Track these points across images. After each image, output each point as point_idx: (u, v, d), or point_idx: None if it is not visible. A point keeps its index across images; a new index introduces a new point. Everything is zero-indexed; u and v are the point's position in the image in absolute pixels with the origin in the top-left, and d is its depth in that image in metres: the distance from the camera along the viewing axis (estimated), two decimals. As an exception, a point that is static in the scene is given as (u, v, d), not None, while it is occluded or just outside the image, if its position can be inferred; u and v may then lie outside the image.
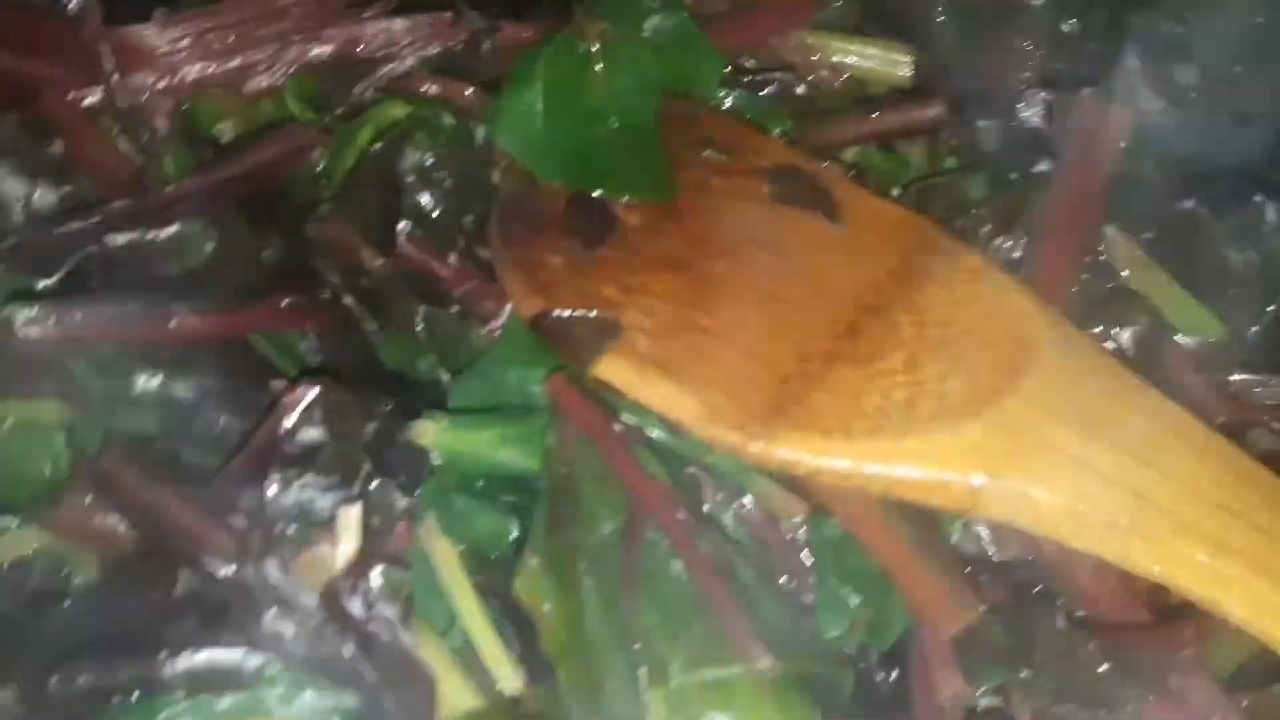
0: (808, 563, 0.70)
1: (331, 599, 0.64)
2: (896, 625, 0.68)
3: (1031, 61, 0.95)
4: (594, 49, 0.80)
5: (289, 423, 0.67)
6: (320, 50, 0.82)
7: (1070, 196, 0.81)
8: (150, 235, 0.72)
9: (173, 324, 0.69)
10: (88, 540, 0.68)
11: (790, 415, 0.68)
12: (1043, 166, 0.85)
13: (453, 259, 0.77)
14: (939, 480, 0.66)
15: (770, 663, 0.61)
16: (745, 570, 0.67)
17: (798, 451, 0.67)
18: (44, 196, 0.74)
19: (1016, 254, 0.81)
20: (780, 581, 0.70)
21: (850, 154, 0.87)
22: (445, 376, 0.75)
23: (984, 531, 0.73)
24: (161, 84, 0.79)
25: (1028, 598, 0.71)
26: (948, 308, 0.73)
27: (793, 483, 0.70)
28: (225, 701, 0.64)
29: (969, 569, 0.71)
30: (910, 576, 0.67)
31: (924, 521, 0.69)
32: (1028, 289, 0.75)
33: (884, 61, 0.89)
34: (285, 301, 0.73)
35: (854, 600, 0.68)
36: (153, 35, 0.79)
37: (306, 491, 0.66)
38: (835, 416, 0.68)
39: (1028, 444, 0.66)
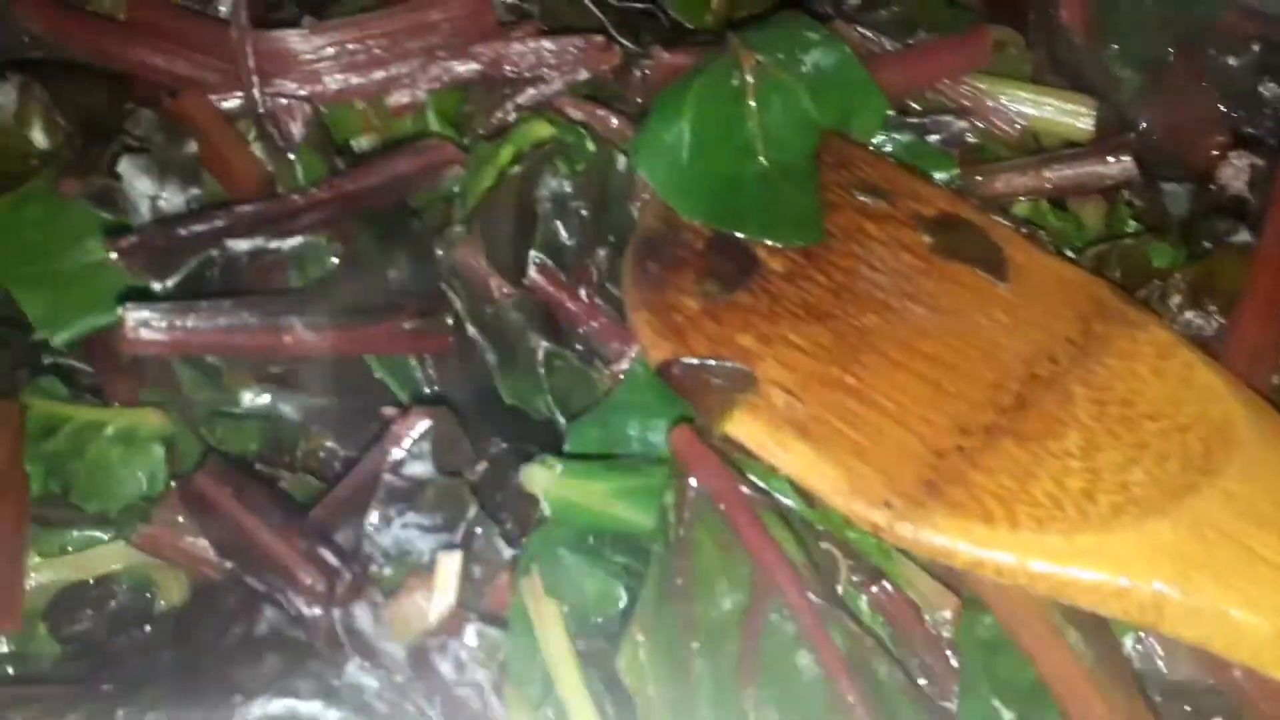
0: (953, 664, 0.62)
1: (420, 655, 0.58)
2: (1052, 749, 0.59)
3: (1228, 123, 0.87)
4: (748, 82, 0.75)
5: (397, 454, 0.62)
6: (466, 67, 0.79)
7: (1275, 271, 0.72)
8: (274, 244, 0.69)
9: (288, 338, 0.66)
10: (177, 562, 0.65)
11: (946, 496, 0.60)
12: (1242, 236, 0.77)
13: (583, 293, 0.72)
14: (1118, 587, 0.57)
15: (908, 780, 0.53)
16: (882, 668, 0.59)
17: (954, 539, 0.59)
18: (172, 197, 0.72)
19: (1208, 331, 0.72)
20: (920, 684, 0.62)
21: (1021, 209, 0.79)
22: (563, 418, 0.70)
23: (1156, 644, 0.64)
24: (302, 91, 0.77)
25: (1209, 729, 0.62)
26: (1132, 385, 0.65)
27: (942, 571, 0.62)
28: (296, 758, 0.59)
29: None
30: (1076, 694, 0.58)
31: (1096, 629, 0.60)
32: (1225, 370, 0.66)
33: (1063, 112, 0.82)
34: (407, 324, 0.69)
35: (1006, 714, 0.60)
36: (298, 42, 0.78)
37: (407, 530, 0.61)
38: (999, 502, 0.60)
39: (1226, 551, 0.57)
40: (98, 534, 0.67)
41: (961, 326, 0.68)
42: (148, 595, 0.66)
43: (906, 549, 0.61)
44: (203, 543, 0.63)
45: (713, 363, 0.65)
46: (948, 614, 0.62)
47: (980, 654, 0.61)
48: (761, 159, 0.74)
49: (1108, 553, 0.57)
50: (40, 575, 0.67)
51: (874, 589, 0.63)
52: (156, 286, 0.67)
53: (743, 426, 0.64)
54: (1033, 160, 0.80)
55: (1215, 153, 0.85)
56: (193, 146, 0.73)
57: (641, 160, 0.73)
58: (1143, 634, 0.63)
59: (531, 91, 0.78)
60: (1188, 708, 0.62)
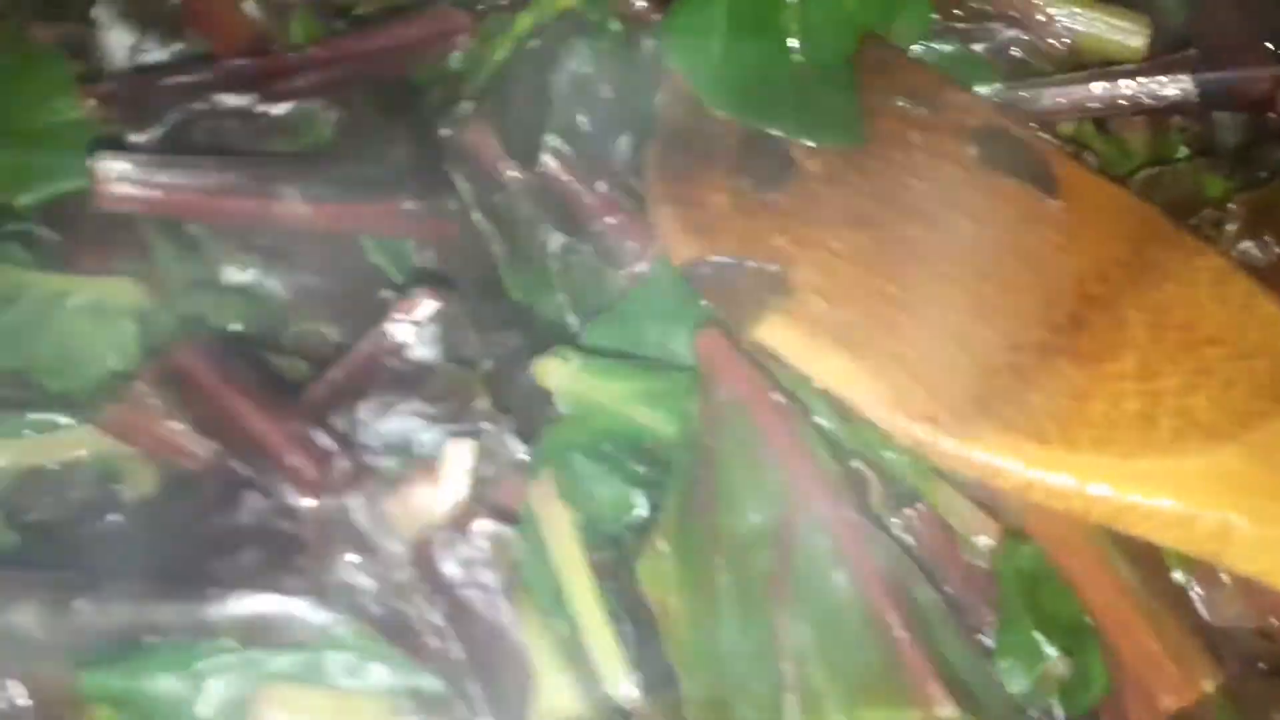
0: (991, 595, 0.58)
1: (423, 552, 0.53)
2: (1096, 687, 0.56)
3: (1275, 59, 0.82)
4: (789, -27, 0.69)
5: (402, 335, 0.56)
6: (486, -71, 0.72)
7: (1337, 203, 0.68)
8: (265, 106, 0.63)
9: (278, 207, 0.59)
10: (149, 448, 0.59)
11: (998, 412, 0.56)
12: (1303, 165, 0.73)
13: (601, 185, 0.67)
14: (1183, 514, 0.53)
15: (954, 713, 0.49)
16: (921, 591, 0.54)
17: (1005, 457, 0.54)
18: (152, 49, 0.65)
19: (1262, 263, 0.68)
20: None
21: (1064, 130, 0.75)
22: (574, 320, 0.65)
23: (1196, 586, 0.60)
24: (304, -55, 0.70)
25: (1258, 675, 0.58)
26: (1190, 310, 0.61)
27: (982, 497, 0.58)
28: (279, 660, 0.54)
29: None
30: (1128, 630, 0.55)
31: (1148, 560, 0.56)
32: (1286, 299, 0.62)
33: (1114, 29, 0.77)
34: (408, 205, 0.62)
35: (1048, 648, 0.56)
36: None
37: (410, 420, 0.56)
38: (1055, 421, 0.55)
39: (1300, 482, 0.53)
40: (61, 417, 0.61)
41: (1009, 241, 0.64)
42: (114, 486, 0.60)
43: (952, 469, 0.57)
44: (177, 428, 0.57)
45: (744, 263, 0.60)
46: (987, 541, 0.58)
47: (1021, 585, 0.57)
48: (799, 55, 0.69)
49: (1171, 478, 0.53)
50: (-3, 458, 0.61)
51: (908, 512, 0.58)
52: (134, 139, 0.61)
53: (775, 332, 0.59)
54: (1083, 75, 0.75)
55: (1265, 85, 0.80)
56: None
57: (671, 46, 0.68)
58: (1182, 574, 0.60)
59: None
60: (1239, 651, 0.58)
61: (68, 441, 0.61)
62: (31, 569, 0.56)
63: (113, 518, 0.58)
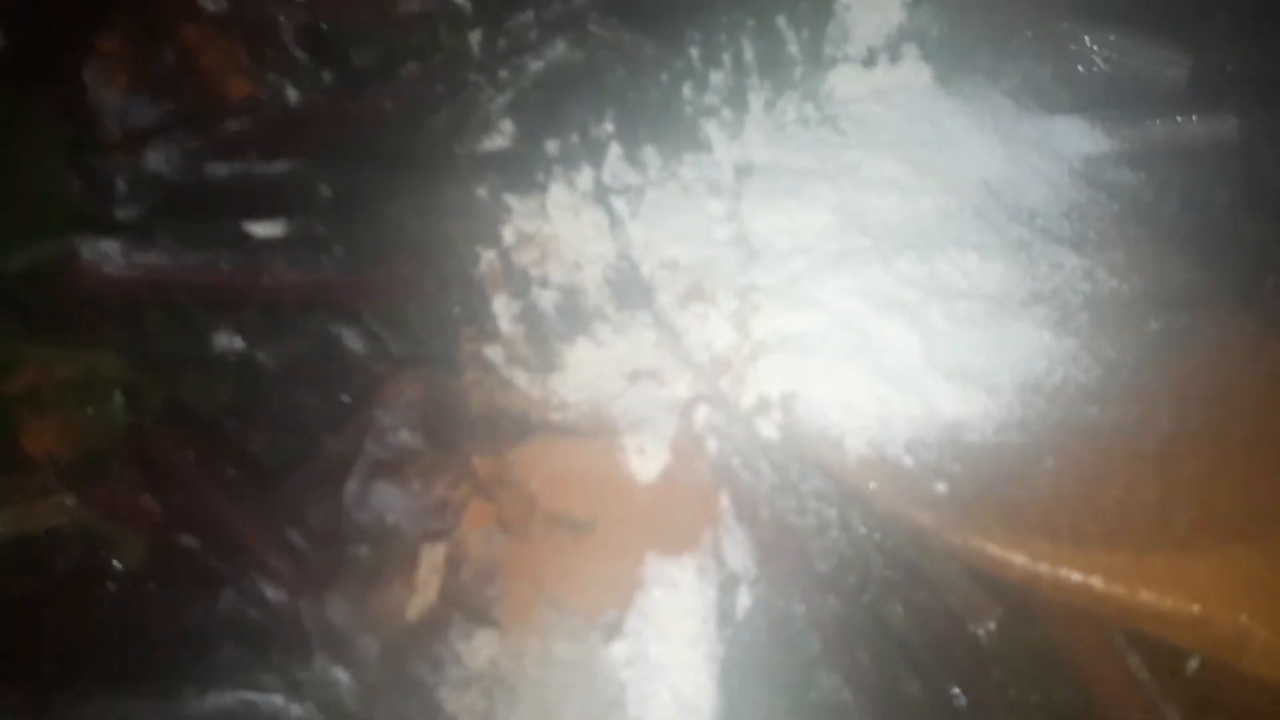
0: (994, 678, 0.55)
1: (396, 654, 0.51)
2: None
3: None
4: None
5: (386, 419, 0.54)
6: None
7: None
8: (257, 169, 0.61)
9: (267, 279, 0.58)
10: (133, 525, 0.57)
11: (1002, 497, 0.53)
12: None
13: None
14: (1196, 617, 0.50)
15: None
16: (913, 687, 0.52)
17: (1009, 551, 0.52)
18: (142, 111, 0.63)
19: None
20: (953, 694, 0.55)
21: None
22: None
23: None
24: (300, -3, 0.68)
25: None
26: (1218, 378, 0.57)
27: (987, 575, 0.55)
28: (254, 757, 0.52)
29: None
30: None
31: (1162, 652, 0.53)
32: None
33: (1152, 60, 0.72)
34: (403, 270, 0.60)
35: (1047, 743, 0.53)
36: (299, -61, 0.68)
37: (390, 509, 0.54)
38: (1064, 510, 0.52)
39: (1325, 585, 0.50)
40: (49, 483, 0.59)
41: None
42: (102, 554, 0.58)
43: (955, 557, 0.54)
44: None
45: None
46: (991, 625, 0.55)
47: (1024, 668, 0.55)
48: None
49: (1185, 578, 0.50)
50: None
51: (909, 592, 0.56)
52: (121, 215, 0.59)
53: None
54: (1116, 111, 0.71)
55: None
56: (170, 56, 0.64)
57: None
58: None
59: (557, 6, 0.69)
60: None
61: (54, 508, 0.58)
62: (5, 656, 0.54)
63: (97, 590, 0.57)
